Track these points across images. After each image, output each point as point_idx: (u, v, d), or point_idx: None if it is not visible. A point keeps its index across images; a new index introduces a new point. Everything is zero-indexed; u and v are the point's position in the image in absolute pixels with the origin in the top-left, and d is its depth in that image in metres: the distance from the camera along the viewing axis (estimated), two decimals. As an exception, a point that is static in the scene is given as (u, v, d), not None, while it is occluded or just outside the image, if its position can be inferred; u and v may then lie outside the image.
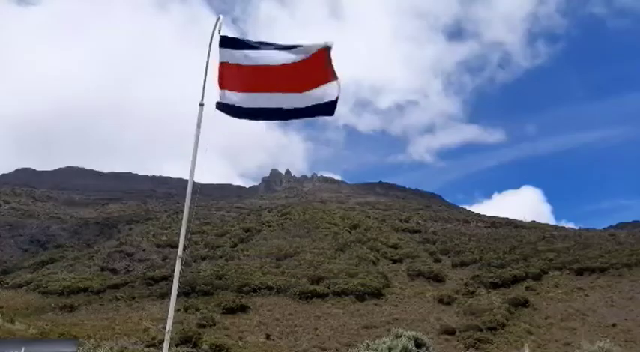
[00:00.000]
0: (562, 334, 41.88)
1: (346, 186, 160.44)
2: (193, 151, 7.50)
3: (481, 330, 41.88)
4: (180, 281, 7.28)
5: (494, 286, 54.48)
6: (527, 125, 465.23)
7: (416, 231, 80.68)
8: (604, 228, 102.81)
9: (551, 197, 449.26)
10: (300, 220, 79.46)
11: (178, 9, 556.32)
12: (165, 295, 46.27)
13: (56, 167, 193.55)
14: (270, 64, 7.68)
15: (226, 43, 7.70)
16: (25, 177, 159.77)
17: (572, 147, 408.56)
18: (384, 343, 13.76)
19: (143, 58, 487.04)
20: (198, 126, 7.55)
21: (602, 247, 67.50)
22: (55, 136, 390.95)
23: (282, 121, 7.96)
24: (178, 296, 7.44)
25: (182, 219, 7.56)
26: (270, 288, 51.43)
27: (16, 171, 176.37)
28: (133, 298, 50.85)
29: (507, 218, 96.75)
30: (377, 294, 51.11)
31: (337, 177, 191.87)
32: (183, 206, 7.64)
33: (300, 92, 7.68)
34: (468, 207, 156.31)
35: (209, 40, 7.73)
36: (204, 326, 40.36)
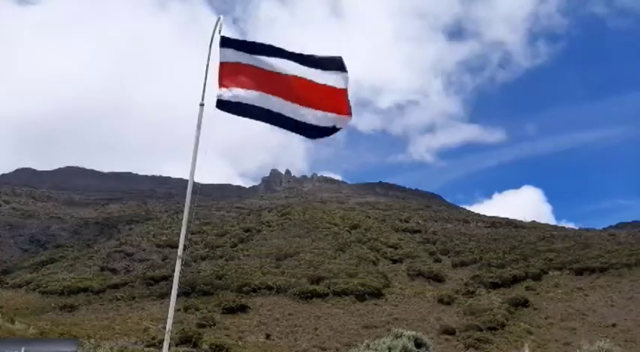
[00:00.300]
0: (562, 334, 41.89)
1: (346, 186, 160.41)
2: (193, 151, 7.50)
3: (481, 330, 41.89)
4: (180, 281, 7.28)
5: (494, 286, 54.50)
6: (527, 125, 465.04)
7: (416, 231, 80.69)
8: (604, 228, 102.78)
9: (551, 197, 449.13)
10: (300, 220, 79.47)
11: (179, 8, 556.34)
12: (165, 295, 46.27)
13: (56, 167, 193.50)
14: (281, 72, 7.72)
15: (227, 43, 7.72)
16: (25, 177, 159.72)
17: (572, 147, 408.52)
18: (384, 343, 13.76)
19: (143, 58, 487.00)
20: (199, 126, 7.55)
21: (602, 247, 67.53)
22: (56, 136, 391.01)
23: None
24: (178, 296, 7.44)
25: (182, 219, 7.56)
26: (270, 288, 51.44)
27: (16, 171, 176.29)
28: (133, 298, 50.86)
29: (507, 218, 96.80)
30: (377, 294, 51.12)
31: (337, 177, 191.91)
32: (184, 206, 7.64)
33: (314, 109, 7.74)
34: (468, 207, 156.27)
35: (209, 41, 7.75)
36: (204, 326, 40.37)
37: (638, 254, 59.45)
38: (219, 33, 7.70)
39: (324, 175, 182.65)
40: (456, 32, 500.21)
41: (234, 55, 7.72)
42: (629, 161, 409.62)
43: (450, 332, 41.81)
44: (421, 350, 14.03)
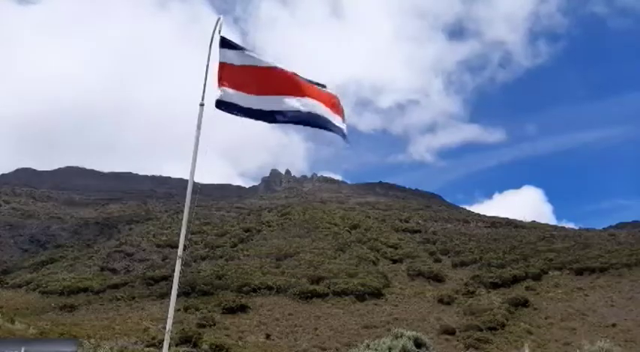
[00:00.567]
0: (562, 334, 41.90)
1: (346, 186, 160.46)
2: (193, 151, 7.51)
3: (481, 330, 41.90)
4: (180, 281, 7.29)
5: (494, 286, 54.52)
6: (527, 125, 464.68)
7: (416, 231, 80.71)
8: (604, 228, 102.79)
9: (552, 197, 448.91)
10: (300, 220, 79.49)
11: (179, 8, 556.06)
12: (165, 295, 46.27)
13: (56, 167, 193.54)
14: (279, 66, 7.76)
15: (227, 43, 7.74)
16: (25, 177, 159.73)
17: (573, 147, 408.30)
18: (384, 343, 13.77)
19: (143, 58, 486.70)
20: (199, 126, 7.56)
21: (602, 247, 67.55)
22: (56, 136, 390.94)
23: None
24: (178, 296, 7.44)
25: (182, 219, 7.57)
26: (270, 288, 51.45)
27: (16, 171, 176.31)
28: (133, 298, 50.87)
29: (507, 218, 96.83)
30: (377, 294, 51.13)
31: (337, 177, 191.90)
32: (184, 206, 7.65)
33: (313, 100, 7.78)
34: (468, 207, 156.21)
35: (209, 41, 7.76)
36: (204, 326, 40.37)
37: (638, 254, 59.46)
38: (219, 33, 7.71)
39: (324, 175, 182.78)
40: (457, 32, 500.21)
41: (234, 56, 7.73)
42: (629, 161, 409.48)
43: (450, 332, 41.81)
44: (421, 350, 14.03)
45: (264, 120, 7.92)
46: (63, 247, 77.26)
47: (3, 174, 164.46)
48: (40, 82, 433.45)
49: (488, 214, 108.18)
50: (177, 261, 7.29)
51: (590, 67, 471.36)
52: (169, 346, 7.22)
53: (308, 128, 8.04)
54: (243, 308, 46.39)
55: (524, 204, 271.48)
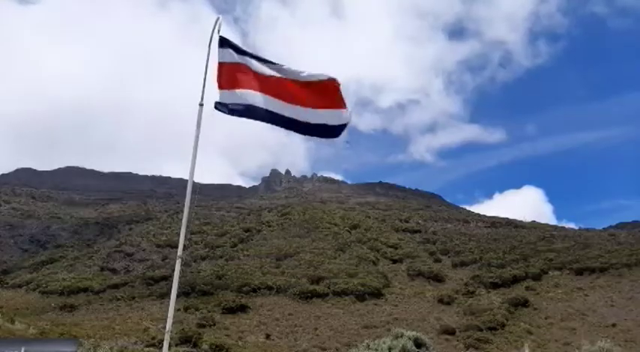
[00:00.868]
0: (562, 334, 41.87)
1: (346, 186, 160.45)
2: (193, 151, 7.51)
3: (481, 330, 41.87)
4: (180, 281, 7.29)
5: (494, 286, 54.49)
6: (527, 125, 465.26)
7: (416, 231, 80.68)
8: (604, 228, 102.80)
9: (552, 197, 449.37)
10: (300, 220, 79.46)
11: (179, 8, 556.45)
12: (165, 295, 46.26)
13: (56, 167, 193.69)
14: (277, 75, 7.72)
15: (226, 43, 7.73)
16: (25, 177, 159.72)
17: (573, 147, 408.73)
18: (384, 343, 13.77)
19: (143, 58, 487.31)
20: (198, 126, 7.56)
21: (602, 247, 67.52)
22: (55, 136, 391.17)
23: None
24: (178, 296, 7.44)
25: (182, 219, 7.57)
26: (270, 288, 51.42)
27: (16, 171, 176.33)
28: (133, 298, 50.84)
29: (507, 218, 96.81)
30: (377, 294, 51.10)
31: (337, 177, 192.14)
32: (183, 206, 7.65)
33: (312, 108, 7.72)
34: (468, 207, 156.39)
35: (208, 41, 7.76)
36: (204, 326, 40.35)
37: (638, 254, 59.43)
38: (218, 33, 7.71)
39: (324, 175, 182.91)
40: (457, 31, 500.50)
41: (233, 56, 7.73)
42: (629, 161, 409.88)
43: (450, 332, 41.78)
44: (421, 350, 14.04)
45: (263, 120, 7.90)
46: (63, 247, 77.23)
47: (3, 174, 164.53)
48: (40, 81, 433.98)
49: (489, 214, 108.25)
50: (177, 261, 7.30)
51: (590, 67, 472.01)
52: (169, 346, 7.22)
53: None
54: (243, 308, 46.36)
55: (524, 204, 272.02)
